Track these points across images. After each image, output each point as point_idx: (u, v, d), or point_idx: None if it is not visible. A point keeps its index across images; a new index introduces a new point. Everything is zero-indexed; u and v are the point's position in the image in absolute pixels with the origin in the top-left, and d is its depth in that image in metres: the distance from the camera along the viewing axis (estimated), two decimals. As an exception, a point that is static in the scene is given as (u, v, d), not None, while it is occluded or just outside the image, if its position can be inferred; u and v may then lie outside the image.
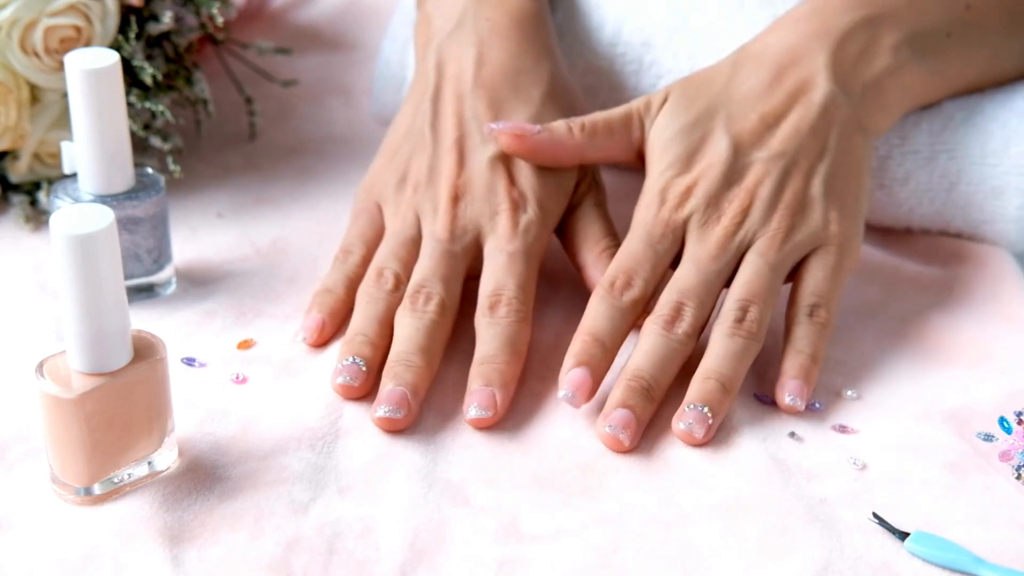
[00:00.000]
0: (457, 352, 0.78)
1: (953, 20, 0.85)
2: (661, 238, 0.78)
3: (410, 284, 0.78)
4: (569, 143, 0.81)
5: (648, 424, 0.73)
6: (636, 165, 0.83)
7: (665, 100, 0.82)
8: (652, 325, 0.75)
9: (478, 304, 0.78)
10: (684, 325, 0.75)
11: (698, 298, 0.76)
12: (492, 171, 0.81)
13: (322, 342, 0.79)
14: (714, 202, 0.79)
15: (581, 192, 0.83)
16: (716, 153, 0.80)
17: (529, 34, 0.85)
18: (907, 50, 0.83)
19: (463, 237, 0.80)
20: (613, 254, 0.80)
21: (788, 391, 0.75)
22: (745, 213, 0.78)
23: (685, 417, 0.73)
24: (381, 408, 0.73)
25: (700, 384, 0.74)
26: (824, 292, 0.78)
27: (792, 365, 0.75)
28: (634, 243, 0.78)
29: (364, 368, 0.75)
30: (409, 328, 0.76)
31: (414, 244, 0.81)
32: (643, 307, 0.77)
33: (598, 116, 0.82)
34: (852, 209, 0.80)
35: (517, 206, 0.80)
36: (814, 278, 0.78)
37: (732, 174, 0.79)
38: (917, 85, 0.85)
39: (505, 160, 0.82)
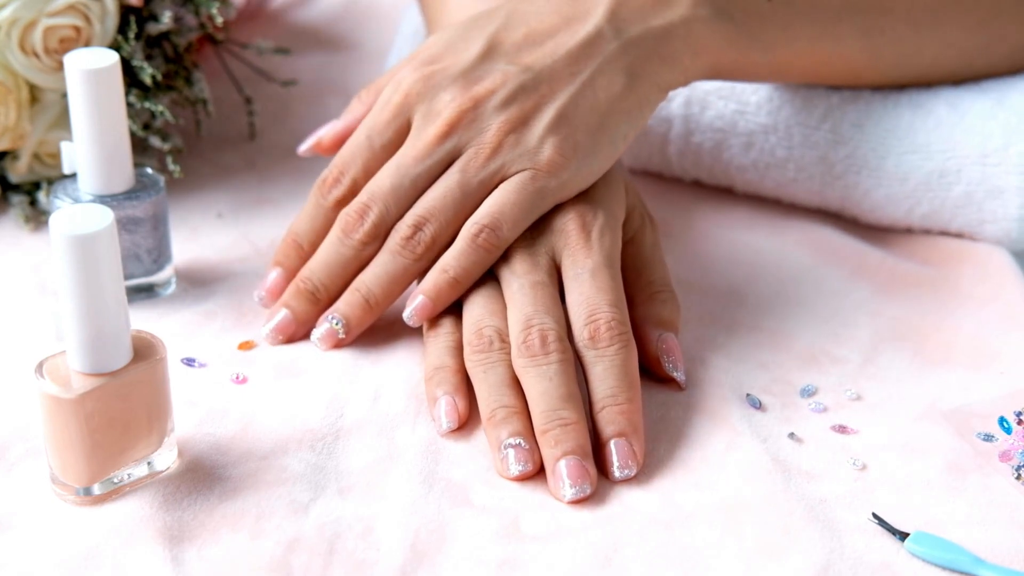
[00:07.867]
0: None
1: None
2: (383, 129, 0.76)
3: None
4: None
5: (647, 426, 0.73)
6: None
7: None
8: (335, 225, 0.76)
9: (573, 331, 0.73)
10: (365, 225, 0.75)
11: (384, 202, 0.74)
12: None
13: None
14: (437, 100, 0.75)
15: (636, 223, 0.79)
16: (464, 52, 0.77)
17: None
18: (708, 6, 0.78)
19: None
20: (665, 299, 0.76)
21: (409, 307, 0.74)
22: (462, 117, 0.75)
23: (319, 326, 0.76)
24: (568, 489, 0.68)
25: (346, 295, 0.75)
26: (497, 213, 0.73)
27: (426, 283, 0.74)
28: (355, 135, 0.77)
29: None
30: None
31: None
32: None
33: None
34: (583, 145, 0.75)
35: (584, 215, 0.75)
36: (494, 197, 0.74)
37: (469, 76, 0.76)
38: (717, 44, 0.79)
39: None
